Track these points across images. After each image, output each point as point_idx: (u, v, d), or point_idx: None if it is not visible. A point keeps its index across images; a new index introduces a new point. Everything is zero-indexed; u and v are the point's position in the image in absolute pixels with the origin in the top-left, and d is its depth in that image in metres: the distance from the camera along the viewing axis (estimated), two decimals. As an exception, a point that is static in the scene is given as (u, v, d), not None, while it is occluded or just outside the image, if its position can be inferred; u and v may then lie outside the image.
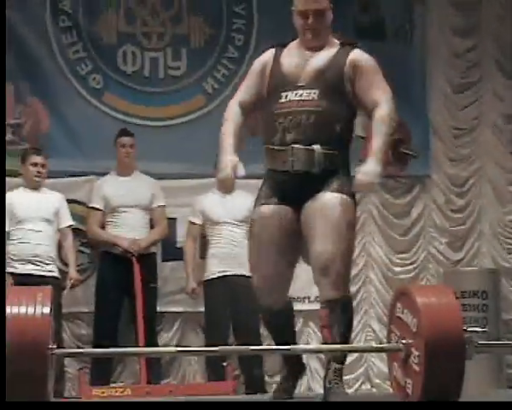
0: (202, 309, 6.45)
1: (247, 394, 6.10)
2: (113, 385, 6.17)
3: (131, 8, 6.95)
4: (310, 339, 6.91)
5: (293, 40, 4.05)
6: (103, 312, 6.28)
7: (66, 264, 6.28)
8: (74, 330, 6.59)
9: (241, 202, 6.09)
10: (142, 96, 6.90)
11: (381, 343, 6.46)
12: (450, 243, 7.36)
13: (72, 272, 6.17)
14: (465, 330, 3.21)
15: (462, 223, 7.41)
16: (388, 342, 3.51)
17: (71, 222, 6.27)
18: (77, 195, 6.58)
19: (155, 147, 6.68)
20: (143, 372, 5.99)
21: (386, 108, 3.85)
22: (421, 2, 7.35)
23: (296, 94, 3.88)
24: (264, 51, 4.11)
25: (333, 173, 3.87)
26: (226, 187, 4.04)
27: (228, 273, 6.18)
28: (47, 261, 6.04)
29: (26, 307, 2.99)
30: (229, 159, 3.89)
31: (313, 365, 6.83)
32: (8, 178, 6.25)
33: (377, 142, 3.81)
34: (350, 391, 6.03)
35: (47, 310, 3.00)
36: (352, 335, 4.35)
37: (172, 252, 6.64)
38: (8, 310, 2.98)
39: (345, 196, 3.85)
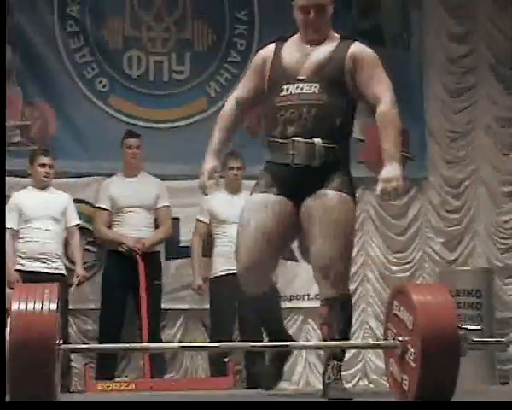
0: (205, 306, 6.52)
1: (247, 388, 6.15)
2: (118, 380, 6.22)
3: (137, 14, 6.97)
4: (309, 336, 6.97)
5: (293, 34, 4.02)
6: (109, 308, 6.33)
7: (72, 262, 6.32)
8: (80, 325, 6.63)
9: (249, 202, 6.16)
10: (146, 98, 6.92)
11: (378, 340, 6.43)
12: (445, 242, 7.41)
13: (79, 270, 6.21)
14: (460, 327, 3.20)
15: (458, 223, 7.47)
16: (385, 339, 3.48)
17: (78, 221, 6.31)
18: (83, 195, 6.61)
19: (159, 148, 6.68)
20: (147, 367, 6.04)
21: (389, 103, 3.81)
22: (418, 9, 7.40)
23: (297, 87, 3.85)
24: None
25: (333, 169, 3.84)
26: (204, 193, 4.12)
27: (233, 272, 6.15)
28: (54, 259, 6.09)
29: (34, 304, 2.98)
30: (205, 166, 3.99)
31: (312, 360, 6.91)
32: (17, 179, 6.33)
33: (389, 143, 3.76)
34: (347, 386, 6.10)
35: (54, 306, 2.99)
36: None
37: (176, 251, 6.69)
38: (16, 306, 2.98)
39: (345, 195, 3.84)
